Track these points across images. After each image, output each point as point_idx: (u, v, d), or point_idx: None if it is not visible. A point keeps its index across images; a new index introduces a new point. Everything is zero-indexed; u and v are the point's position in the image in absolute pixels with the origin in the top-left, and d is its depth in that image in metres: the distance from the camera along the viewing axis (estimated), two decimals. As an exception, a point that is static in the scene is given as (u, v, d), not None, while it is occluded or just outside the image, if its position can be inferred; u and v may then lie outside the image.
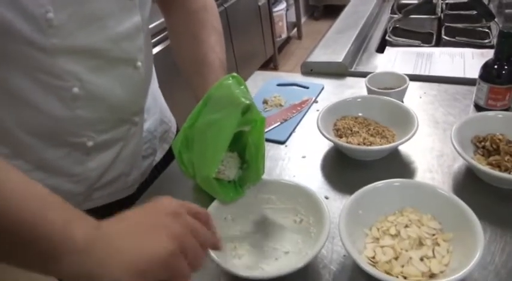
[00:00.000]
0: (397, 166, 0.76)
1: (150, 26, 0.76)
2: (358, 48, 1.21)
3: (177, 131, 0.97)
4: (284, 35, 3.54)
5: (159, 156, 0.88)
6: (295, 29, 3.90)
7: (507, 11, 1.30)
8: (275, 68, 3.40)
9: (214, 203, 0.64)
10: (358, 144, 0.76)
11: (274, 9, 3.28)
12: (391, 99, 0.82)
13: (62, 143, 0.68)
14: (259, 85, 1.05)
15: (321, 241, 0.54)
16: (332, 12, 4.36)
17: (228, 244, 0.61)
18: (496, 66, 0.82)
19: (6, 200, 0.40)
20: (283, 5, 3.44)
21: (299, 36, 3.95)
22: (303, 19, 4.17)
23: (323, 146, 0.82)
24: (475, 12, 1.31)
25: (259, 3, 2.99)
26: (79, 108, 0.65)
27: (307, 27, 4.11)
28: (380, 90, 0.88)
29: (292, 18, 3.84)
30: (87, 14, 0.59)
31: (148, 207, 0.48)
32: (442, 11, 1.38)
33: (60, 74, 0.60)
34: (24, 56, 0.56)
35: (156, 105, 0.88)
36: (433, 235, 0.58)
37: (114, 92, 0.68)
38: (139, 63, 0.70)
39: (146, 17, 0.71)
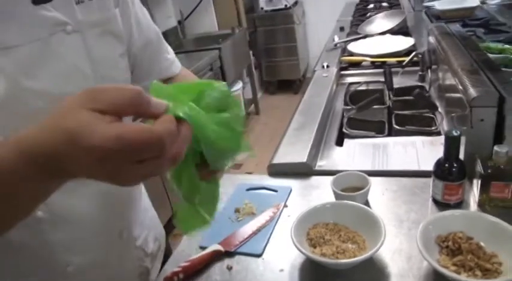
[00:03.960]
0: (372, 271, 0.79)
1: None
2: (319, 141, 1.29)
3: (166, 249, 0.98)
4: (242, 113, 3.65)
5: (154, 275, 0.88)
6: (253, 105, 4.05)
7: (447, 95, 1.42)
8: (237, 146, 3.47)
9: None
10: (333, 254, 0.79)
11: (231, 90, 3.41)
12: (359, 205, 0.88)
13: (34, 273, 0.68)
14: (229, 191, 1.09)
15: None
16: (286, 86, 4.59)
17: None
18: (447, 165, 0.90)
19: None
20: (239, 85, 3.59)
21: (257, 112, 4.09)
22: (259, 94, 4.34)
23: (299, 256, 0.84)
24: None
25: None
26: (46, 232, 0.64)
27: (263, 102, 4.28)
28: (345, 193, 0.94)
29: (249, 95, 4.00)
30: None
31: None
32: (389, 98, 1.50)
33: None
34: None
35: (146, 219, 0.88)
36: None
37: (88, 211, 0.68)
38: None
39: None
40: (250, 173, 3.00)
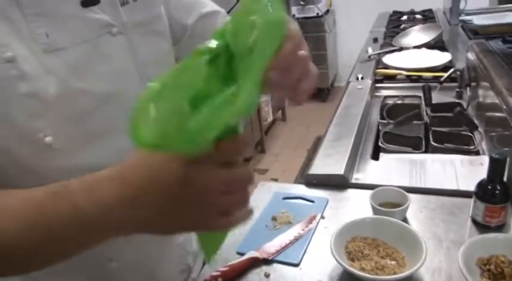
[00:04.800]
0: (410, 290, 0.79)
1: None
2: (355, 154, 1.29)
3: None
4: (270, 119, 3.68)
5: (195, 273, 0.90)
6: (280, 112, 4.06)
7: (487, 114, 1.40)
8: (263, 151, 3.49)
9: None
10: (372, 269, 0.80)
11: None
12: (399, 221, 0.88)
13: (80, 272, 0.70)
14: (266, 198, 1.10)
15: None
16: (314, 94, 4.59)
17: None
18: (489, 187, 0.89)
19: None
20: (268, 91, 3.60)
21: (284, 119, 4.10)
22: (286, 101, 4.35)
23: (337, 268, 0.85)
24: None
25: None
26: None
27: (291, 109, 4.27)
28: (384, 209, 0.94)
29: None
30: (88, 132, 0.61)
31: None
32: (426, 114, 1.49)
33: None
34: (23, 180, 0.56)
35: None
36: None
37: None
38: None
39: None
40: (275, 179, 3.01)
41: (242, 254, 0.90)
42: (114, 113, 0.63)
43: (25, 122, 0.55)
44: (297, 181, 1.26)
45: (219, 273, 0.84)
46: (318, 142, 1.53)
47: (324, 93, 4.57)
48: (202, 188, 0.42)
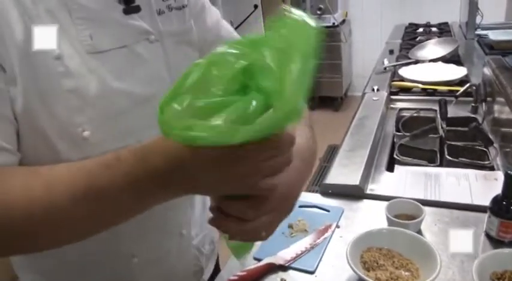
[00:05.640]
0: (423, 301, 0.81)
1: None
2: (370, 165, 1.31)
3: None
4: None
5: (206, 275, 0.93)
6: (293, 119, 4.08)
7: (503, 129, 1.41)
8: (275, 158, 3.51)
9: None
10: (387, 279, 0.82)
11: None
12: (415, 233, 0.90)
13: (103, 268, 0.74)
14: (282, 206, 1.12)
15: None
16: (327, 102, 4.61)
17: None
18: (504, 203, 0.91)
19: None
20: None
21: (296, 126, 4.12)
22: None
23: (352, 277, 0.87)
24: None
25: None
26: None
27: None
28: (400, 221, 0.96)
29: (290, 108, 4.03)
30: (123, 129, 0.65)
31: None
32: (442, 127, 1.51)
33: None
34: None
35: (205, 221, 0.93)
36: None
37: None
38: None
39: None
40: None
41: (259, 260, 0.92)
42: (148, 113, 0.67)
43: (66, 117, 0.59)
44: (309, 189, 1.29)
45: (236, 277, 0.87)
46: (330, 151, 1.56)
47: (337, 102, 4.59)
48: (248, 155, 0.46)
